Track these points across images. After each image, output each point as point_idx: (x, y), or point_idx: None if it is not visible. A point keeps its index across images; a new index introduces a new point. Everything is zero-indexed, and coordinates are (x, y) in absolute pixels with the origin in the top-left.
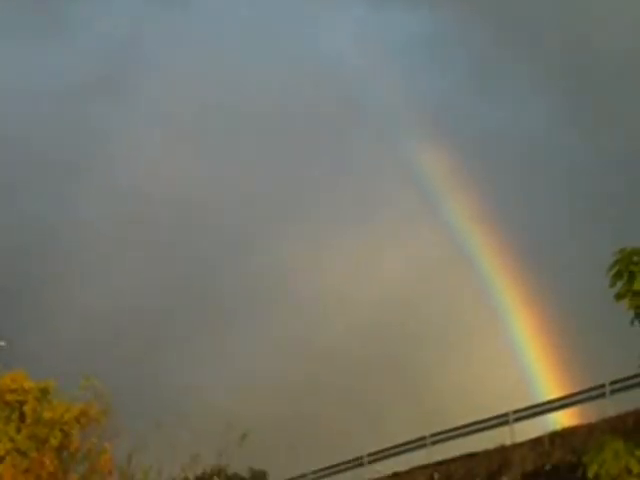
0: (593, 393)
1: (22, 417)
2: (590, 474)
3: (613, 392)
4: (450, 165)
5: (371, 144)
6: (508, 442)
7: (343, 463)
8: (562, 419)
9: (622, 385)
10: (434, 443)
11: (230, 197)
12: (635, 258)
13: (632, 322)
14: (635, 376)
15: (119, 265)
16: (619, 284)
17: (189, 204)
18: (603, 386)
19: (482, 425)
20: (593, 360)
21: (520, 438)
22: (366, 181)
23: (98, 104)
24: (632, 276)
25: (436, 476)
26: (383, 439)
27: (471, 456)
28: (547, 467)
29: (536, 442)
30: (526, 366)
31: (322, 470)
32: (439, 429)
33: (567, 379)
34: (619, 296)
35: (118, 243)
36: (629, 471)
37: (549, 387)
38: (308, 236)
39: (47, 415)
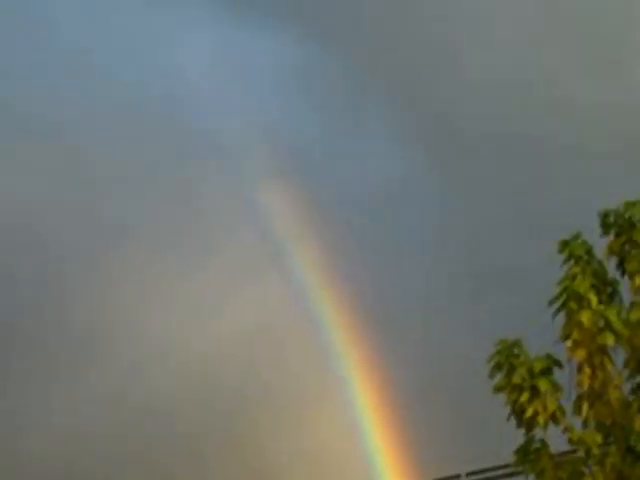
0: None
1: None
2: None
3: None
4: (301, 209)
5: (217, 176)
6: None
7: None
8: None
9: (479, 477)
10: None
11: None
12: (516, 350)
13: (508, 418)
14: (492, 469)
15: None
16: (498, 376)
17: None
18: (459, 477)
19: None
20: (448, 446)
21: None
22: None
23: None
24: (512, 369)
25: None
26: None
27: None
28: None
29: None
30: (368, 444)
31: None
32: None
33: (417, 464)
34: (497, 389)
35: None
36: None
37: (393, 471)
38: (136, 276)
39: None
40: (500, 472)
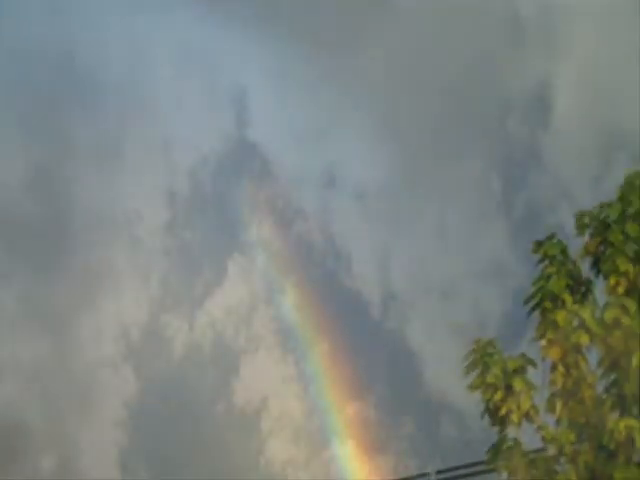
0: None
1: None
2: None
3: None
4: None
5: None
6: None
7: None
8: None
9: (448, 475)
10: None
11: None
12: (490, 349)
13: (482, 416)
14: (461, 467)
15: None
16: (473, 374)
17: None
18: (428, 475)
19: None
20: (416, 444)
21: None
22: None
23: None
24: (486, 367)
25: None
26: None
27: None
28: None
29: None
30: (337, 445)
31: None
32: None
33: (386, 463)
34: (472, 387)
35: None
36: None
37: (363, 471)
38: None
39: None
40: (469, 470)
